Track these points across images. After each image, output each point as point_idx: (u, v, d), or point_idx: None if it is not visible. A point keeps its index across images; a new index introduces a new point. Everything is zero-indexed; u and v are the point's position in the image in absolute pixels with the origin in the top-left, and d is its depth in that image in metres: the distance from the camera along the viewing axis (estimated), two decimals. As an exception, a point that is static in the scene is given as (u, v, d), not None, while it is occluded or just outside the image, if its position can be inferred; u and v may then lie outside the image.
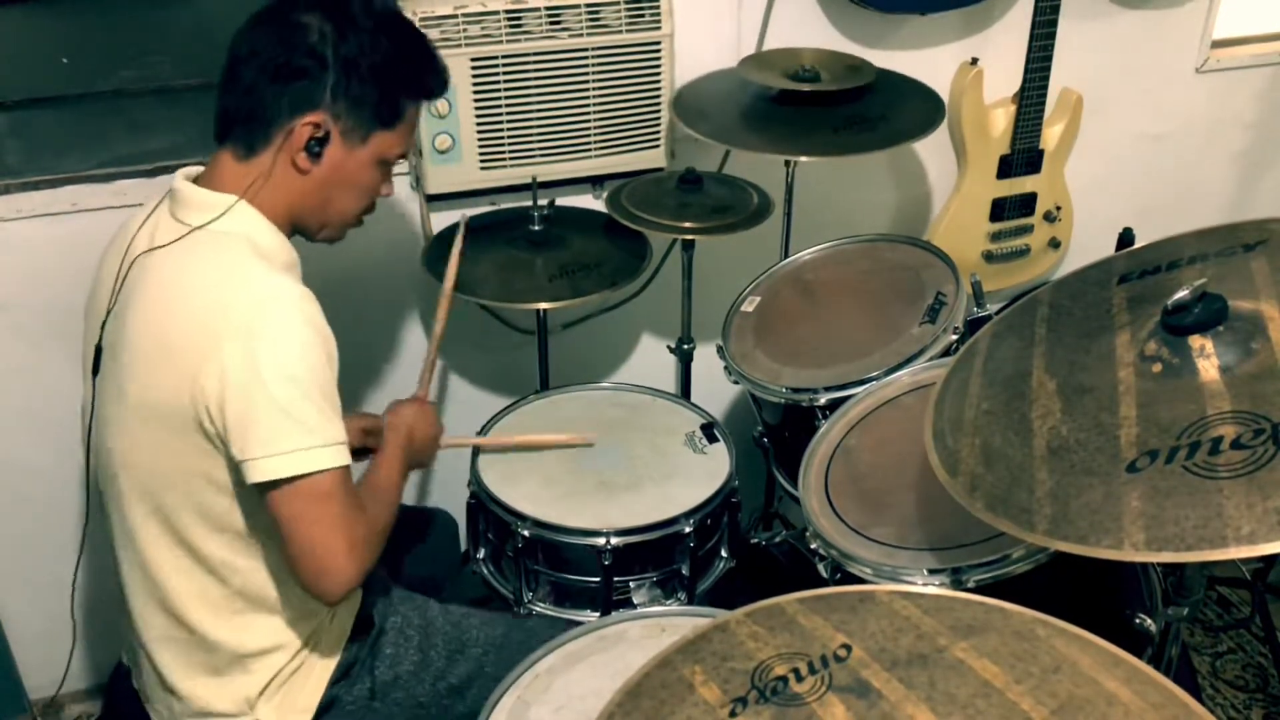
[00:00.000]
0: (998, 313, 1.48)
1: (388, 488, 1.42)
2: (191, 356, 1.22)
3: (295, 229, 1.38)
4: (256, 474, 1.22)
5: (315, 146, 1.31)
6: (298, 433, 1.22)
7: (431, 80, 1.40)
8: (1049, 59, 2.13)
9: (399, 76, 1.34)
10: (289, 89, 1.28)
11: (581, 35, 1.89)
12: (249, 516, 1.31)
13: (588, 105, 1.96)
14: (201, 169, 1.36)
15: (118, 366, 1.30)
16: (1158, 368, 1.13)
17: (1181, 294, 1.12)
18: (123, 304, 1.31)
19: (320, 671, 1.43)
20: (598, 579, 1.61)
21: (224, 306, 1.23)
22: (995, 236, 2.31)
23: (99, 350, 1.35)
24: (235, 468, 1.25)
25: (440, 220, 2.03)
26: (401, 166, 1.98)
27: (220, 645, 1.36)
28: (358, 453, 1.55)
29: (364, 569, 1.28)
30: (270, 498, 1.24)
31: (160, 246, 1.29)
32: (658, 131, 2.03)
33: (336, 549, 1.25)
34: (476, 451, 1.76)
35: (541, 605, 1.68)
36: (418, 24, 1.77)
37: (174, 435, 1.26)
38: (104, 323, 1.34)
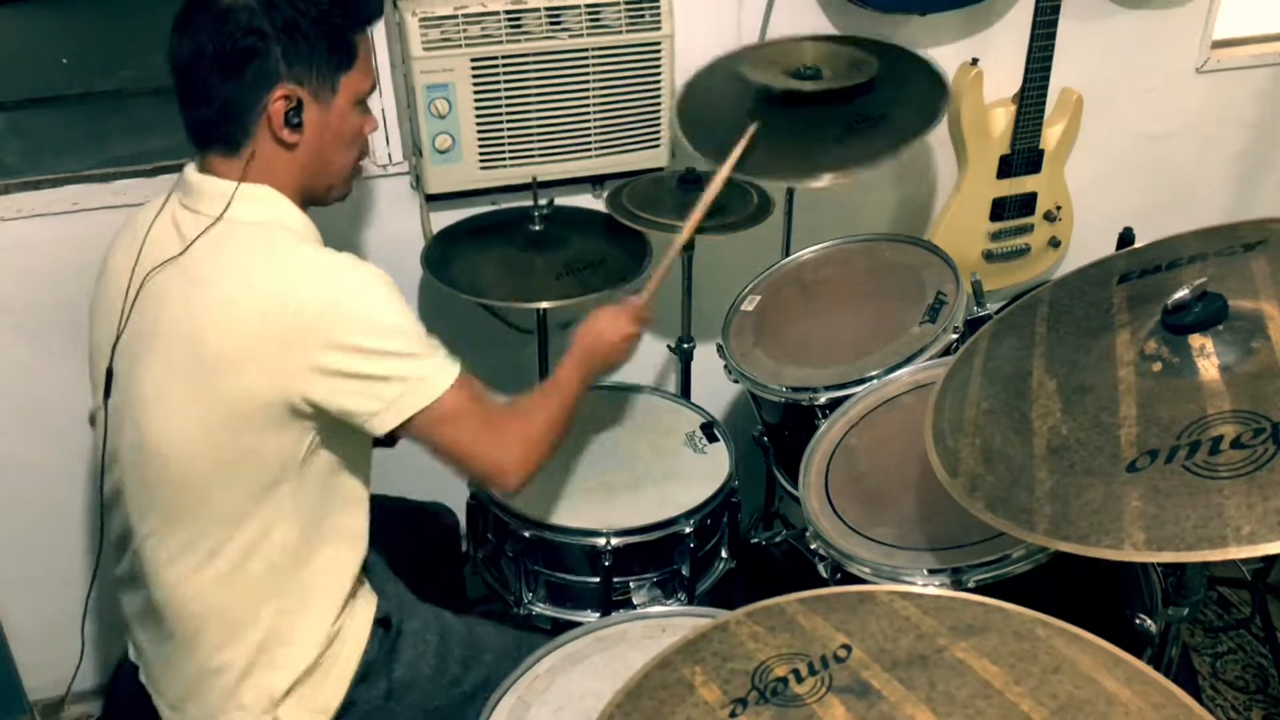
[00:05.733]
0: (998, 312, 1.48)
1: (561, 384, 1.48)
2: (276, 347, 1.24)
3: (306, 201, 1.38)
4: (390, 421, 1.29)
5: (293, 117, 1.31)
6: (410, 368, 1.29)
7: (370, 4, 1.40)
8: (1049, 59, 2.13)
9: (339, 15, 1.32)
10: (245, 75, 1.28)
11: (581, 35, 1.89)
12: (292, 504, 1.32)
13: (588, 105, 1.96)
14: (203, 163, 1.36)
15: (167, 363, 1.29)
16: (1158, 367, 1.13)
17: (1181, 293, 1.12)
18: (157, 302, 1.31)
19: (341, 673, 1.43)
20: (597, 579, 1.61)
21: (296, 296, 1.25)
22: (995, 236, 2.30)
23: (115, 346, 1.34)
24: (323, 441, 1.31)
25: (440, 220, 2.03)
26: (401, 166, 1.99)
27: (243, 640, 1.36)
28: None
29: (528, 458, 1.37)
30: (412, 433, 1.31)
31: (187, 248, 1.30)
32: (658, 131, 2.03)
33: (491, 452, 1.34)
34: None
35: (541, 606, 1.68)
36: (418, 24, 1.78)
37: (239, 427, 1.26)
38: (123, 318, 1.33)
